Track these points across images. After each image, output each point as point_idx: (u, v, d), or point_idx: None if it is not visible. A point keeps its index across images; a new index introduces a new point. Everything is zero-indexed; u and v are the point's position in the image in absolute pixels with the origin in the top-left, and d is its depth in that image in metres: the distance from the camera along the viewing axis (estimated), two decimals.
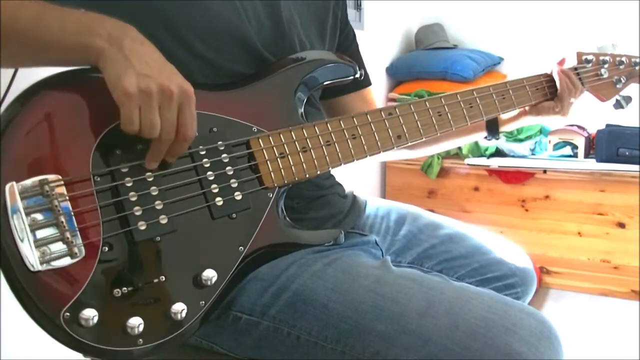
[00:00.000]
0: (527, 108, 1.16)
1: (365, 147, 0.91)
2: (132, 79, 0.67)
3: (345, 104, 1.14)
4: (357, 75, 0.96)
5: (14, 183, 0.67)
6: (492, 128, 1.18)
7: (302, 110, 0.90)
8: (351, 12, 2.72)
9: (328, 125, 0.88)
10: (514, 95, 1.10)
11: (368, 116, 0.92)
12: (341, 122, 0.90)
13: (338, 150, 0.88)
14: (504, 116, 1.17)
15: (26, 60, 0.75)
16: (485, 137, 1.20)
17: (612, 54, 1.24)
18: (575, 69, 1.19)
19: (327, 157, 0.87)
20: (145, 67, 0.68)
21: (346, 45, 1.13)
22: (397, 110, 0.95)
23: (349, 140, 0.89)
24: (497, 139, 1.20)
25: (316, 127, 0.87)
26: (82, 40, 0.69)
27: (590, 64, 1.21)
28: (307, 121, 0.89)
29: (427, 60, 3.05)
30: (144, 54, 0.69)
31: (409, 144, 0.96)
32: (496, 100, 1.08)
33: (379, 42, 3.03)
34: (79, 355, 0.76)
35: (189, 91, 0.70)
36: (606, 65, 1.23)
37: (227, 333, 0.87)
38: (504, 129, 1.19)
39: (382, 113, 0.93)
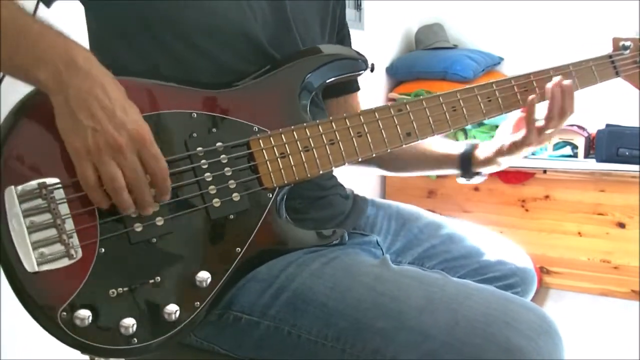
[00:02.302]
0: (505, 146, 1.04)
1: (371, 145, 0.88)
2: (78, 136, 0.68)
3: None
4: (369, 69, 0.94)
5: (13, 187, 0.69)
6: (466, 167, 1.10)
7: (307, 107, 0.90)
8: (351, 12, 2.72)
9: (333, 124, 0.87)
10: (539, 87, 1.01)
11: (376, 113, 0.89)
12: (347, 120, 0.87)
13: (342, 149, 0.87)
14: (479, 156, 1.09)
15: None
16: (461, 176, 1.12)
17: None
18: (610, 56, 1.12)
19: (330, 157, 0.86)
20: (93, 120, 0.68)
21: None
22: (407, 106, 0.91)
23: (354, 139, 0.87)
24: (469, 179, 1.11)
25: (320, 126, 0.86)
26: (32, 72, 0.69)
27: (628, 51, 1.12)
28: (311, 119, 0.88)
29: (427, 60, 3.05)
30: (91, 103, 0.68)
31: (419, 140, 0.93)
32: (518, 92, 1.00)
33: (379, 42, 3.02)
34: (78, 356, 0.76)
35: (139, 135, 0.70)
36: None
37: (227, 334, 0.87)
38: (478, 169, 1.10)
39: (392, 110, 0.90)
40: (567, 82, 1.00)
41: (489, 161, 1.08)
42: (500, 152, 1.05)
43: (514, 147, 1.03)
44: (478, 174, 1.11)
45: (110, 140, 0.68)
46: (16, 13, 0.71)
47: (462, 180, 1.12)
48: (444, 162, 1.12)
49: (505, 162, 1.07)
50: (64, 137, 0.69)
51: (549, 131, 1.00)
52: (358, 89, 1.16)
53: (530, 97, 0.99)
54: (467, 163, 1.10)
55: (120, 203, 0.70)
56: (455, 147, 1.12)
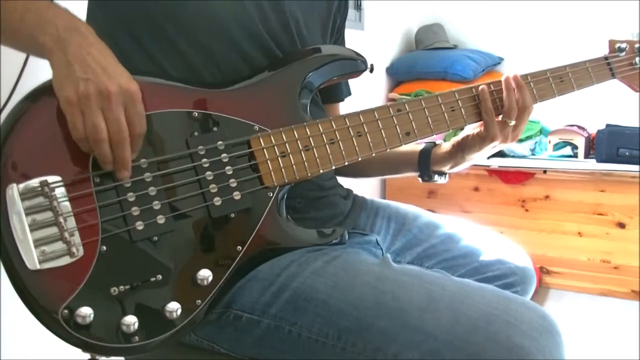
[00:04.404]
0: (468, 138, 1.01)
1: (371, 144, 0.89)
2: (71, 85, 0.69)
3: None
4: (368, 69, 0.95)
5: (15, 184, 0.69)
6: (424, 166, 1.08)
7: (308, 107, 0.90)
8: (351, 12, 2.72)
9: (332, 123, 0.87)
10: (536, 89, 1.02)
11: (375, 113, 0.90)
12: (346, 119, 0.88)
13: (342, 148, 0.87)
14: (439, 153, 1.07)
15: None
16: (419, 177, 1.10)
17: None
18: (606, 58, 1.12)
19: (330, 156, 0.86)
20: (87, 71, 0.70)
21: None
22: (406, 106, 0.93)
23: (354, 138, 0.88)
24: (429, 179, 1.08)
25: (320, 125, 0.87)
26: (35, 35, 0.72)
27: (623, 53, 1.13)
28: (311, 119, 0.88)
29: (427, 60, 3.06)
30: (87, 57, 0.71)
31: (418, 140, 0.94)
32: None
33: (379, 42, 3.03)
34: (78, 356, 0.77)
35: (131, 89, 0.72)
36: None
37: (227, 333, 0.87)
38: (439, 168, 1.08)
39: (391, 110, 0.91)
40: (519, 76, 0.99)
41: (450, 157, 1.05)
42: (462, 145, 1.03)
43: (478, 139, 1.00)
44: (440, 173, 1.08)
45: (102, 87, 0.69)
46: None
47: (423, 180, 1.09)
48: (403, 163, 1.11)
49: (471, 158, 1.04)
50: (58, 92, 0.71)
51: (511, 123, 0.98)
52: (342, 99, 1.15)
53: (481, 86, 0.98)
54: (425, 162, 1.08)
55: (100, 155, 0.72)
56: (415, 147, 1.09)
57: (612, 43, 1.14)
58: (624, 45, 1.13)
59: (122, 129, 0.71)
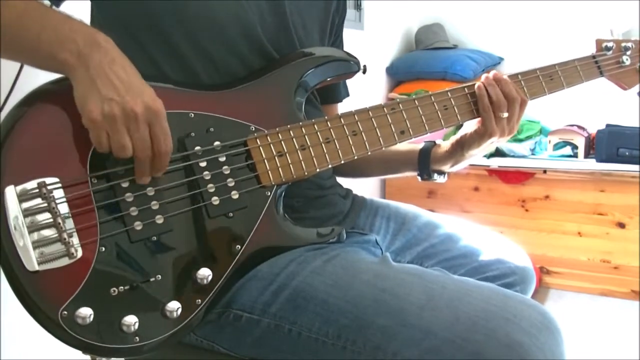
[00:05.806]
0: (467, 136, 1.03)
1: (366, 143, 0.90)
2: (96, 104, 0.69)
3: None
4: (361, 70, 0.96)
5: (13, 186, 0.69)
6: (424, 165, 1.09)
7: (303, 107, 0.91)
8: (351, 12, 2.72)
9: (328, 122, 0.88)
10: (527, 87, 1.04)
11: (370, 112, 0.91)
12: (342, 119, 0.89)
13: (338, 147, 0.88)
14: (439, 152, 1.09)
15: (6, 55, 0.77)
16: (419, 176, 1.11)
17: (636, 40, 1.16)
18: (594, 57, 1.13)
19: (326, 155, 0.87)
20: (110, 90, 0.69)
21: None
22: (400, 105, 0.94)
23: (349, 137, 0.89)
24: (429, 177, 1.09)
25: (315, 125, 0.87)
26: (54, 52, 0.71)
27: (610, 52, 1.14)
28: (307, 119, 0.89)
29: (427, 60, 3.06)
30: (110, 74, 0.70)
31: (413, 139, 0.95)
32: None
33: (379, 42, 3.03)
34: (78, 356, 0.77)
35: (155, 108, 0.72)
36: (629, 52, 1.15)
37: (227, 332, 0.87)
38: (439, 167, 1.09)
39: (385, 109, 0.92)
40: (499, 73, 1.01)
41: (450, 155, 1.06)
42: (462, 143, 1.04)
43: (477, 136, 1.01)
44: (440, 172, 1.09)
45: (127, 108, 0.69)
46: (39, 2, 0.75)
47: (423, 179, 1.11)
48: (403, 162, 1.12)
49: (470, 155, 1.05)
50: (81, 107, 0.70)
51: (504, 115, 0.98)
52: (340, 100, 1.16)
53: (477, 84, 1.00)
54: (425, 160, 1.09)
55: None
56: (415, 147, 1.10)
57: (599, 42, 1.16)
58: (610, 44, 1.15)
59: (146, 147, 0.71)
